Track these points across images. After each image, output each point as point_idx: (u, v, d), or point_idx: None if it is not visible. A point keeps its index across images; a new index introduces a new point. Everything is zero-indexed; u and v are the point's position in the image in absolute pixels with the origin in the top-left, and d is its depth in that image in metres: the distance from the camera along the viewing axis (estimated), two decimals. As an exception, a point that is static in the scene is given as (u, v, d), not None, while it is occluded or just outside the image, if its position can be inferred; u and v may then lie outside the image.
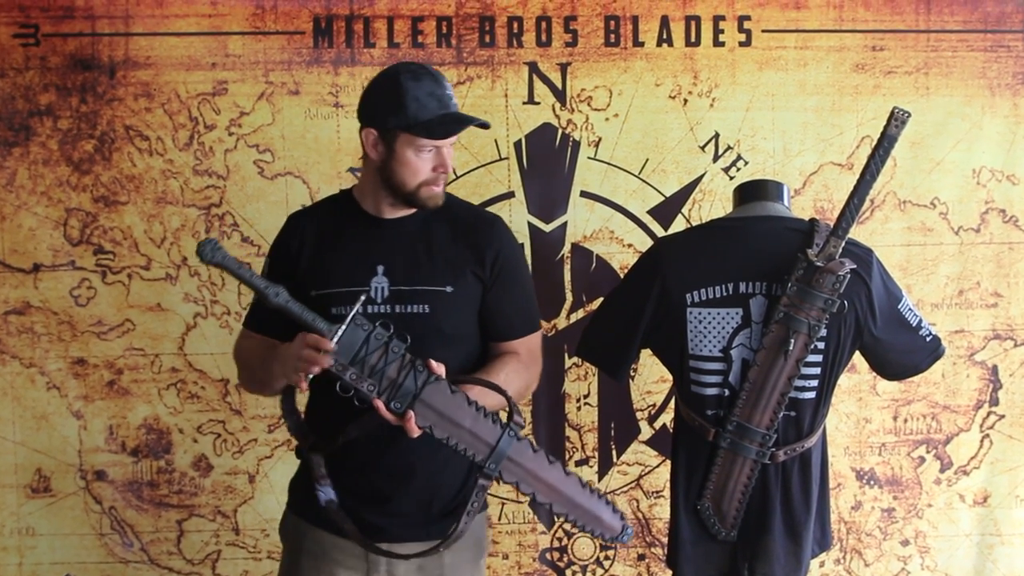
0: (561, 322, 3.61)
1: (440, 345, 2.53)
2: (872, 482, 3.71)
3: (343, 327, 2.36)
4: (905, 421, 3.70)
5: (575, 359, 3.59)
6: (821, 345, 2.71)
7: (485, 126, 2.57)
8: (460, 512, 2.53)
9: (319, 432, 2.60)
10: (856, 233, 2.83)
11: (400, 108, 2.47)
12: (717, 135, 3.57)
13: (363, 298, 2.44)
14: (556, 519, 3.67)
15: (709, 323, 2.74)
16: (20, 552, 3.61)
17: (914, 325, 2.82)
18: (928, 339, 2.84)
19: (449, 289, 2.57)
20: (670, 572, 2.98)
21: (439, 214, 2.62)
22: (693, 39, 3.55)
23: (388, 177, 2.54)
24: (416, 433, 2.37)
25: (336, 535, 2.59)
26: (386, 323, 2.40)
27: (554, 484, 2.45)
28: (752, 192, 2.92)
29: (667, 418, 3.63)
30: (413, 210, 2.60)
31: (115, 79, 3.47)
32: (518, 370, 2.65)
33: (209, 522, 3.62)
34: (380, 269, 2.56)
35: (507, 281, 2.66)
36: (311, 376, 2.35)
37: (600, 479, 3.67)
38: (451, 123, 2.50)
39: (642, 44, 3.54)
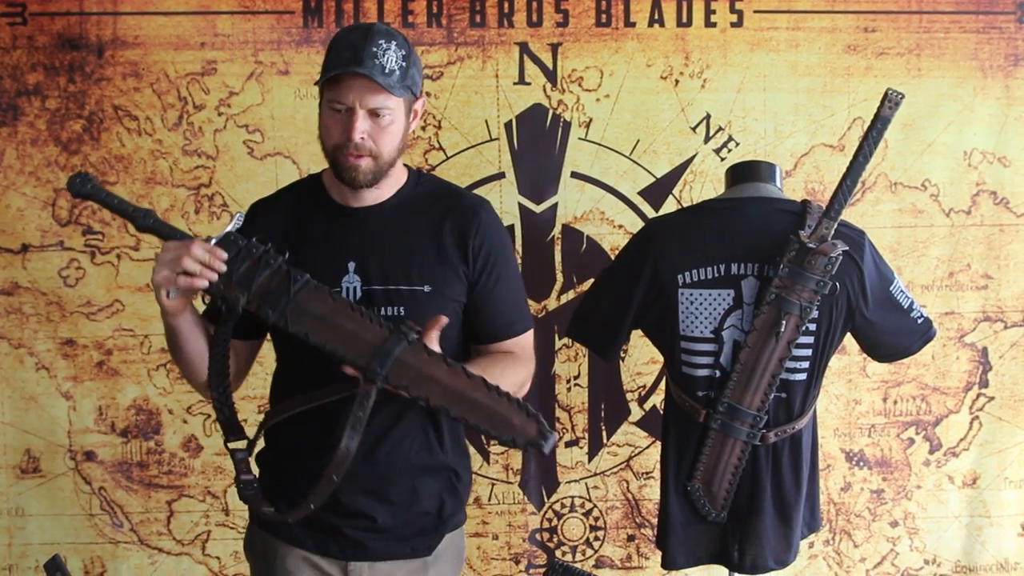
0: (551, 303, 3.60)
1: None
2: (861, 463, 3.71)
3: (215, 238, 2.18)
4: (895, 403, 3.70)
5: (565, 340, 3.58)
6: (812, 327, 2.71)
7: (365, 76, 2.21)
8: (442, 529, 2.45)
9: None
10: (847, 215, 2.84)
11: (325, 59, 2.30)
12: (708, 116, 3.56)
13: (236, 216, 2.25)
14: (545, 501, 3.68)
15: (700, 304, 2.74)
16: (10, 532, 3.60)
17: (906, 307, 2.82)
18: (919, 321, 2.84)
19: (427, 289, 2.33)
20: (660, 553, 2.98)
21: (419, 200, 2.41)
22: (685, 19, 3.54)
23: (320, 140, 2.34)
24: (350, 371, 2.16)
25: (312, 552, 2.42)
26: (264, 238, 2.21)
27: (451, 384, 2.14)
28: (744, 173, 2.92)
29: (657, 399, 3.63)
30: (381, 197, 2.37)
31: (103, 59, 3.45)
32: (515, 366, 2.41)
33: (199, 503, 3.62)
34: (351, 266, 2.33)
35: (496, 276, 2.41)
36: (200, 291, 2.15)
37: (590, 460, 3.67)
38: (342, 65, 2.23)
39: (633, 24, 3.53)
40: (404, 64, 2.27)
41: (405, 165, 2.45)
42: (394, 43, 2.26)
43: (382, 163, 2.30)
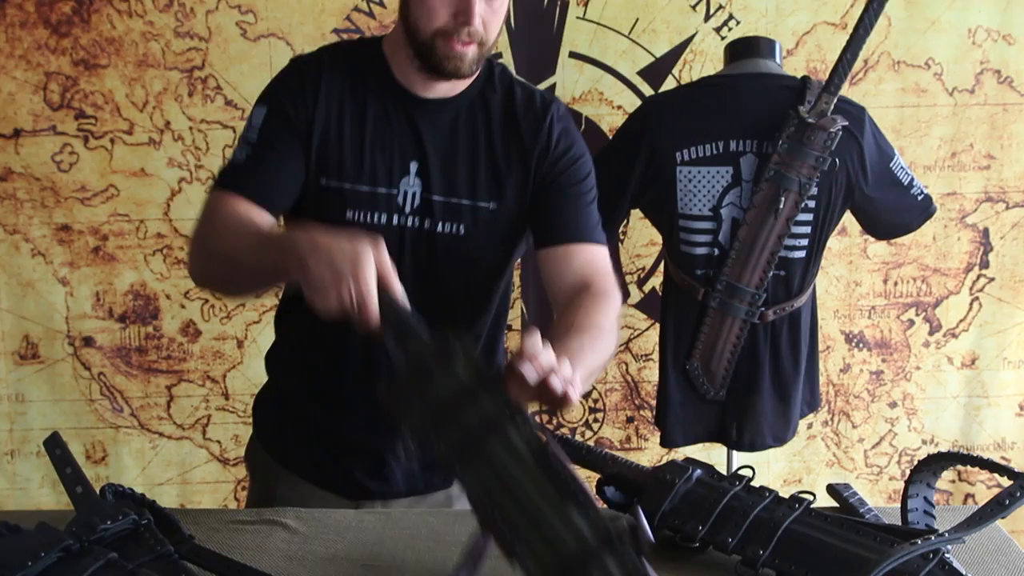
0: (550, 186, 3.57)
1: (474, 279, 2.06)
2: (861, 345, 3.72)
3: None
4: (895, 284, 3.69)
5: (564, 223, 3.56)
6: (811, 203, 2.69)
7: None
8: None
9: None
10: (849, 94, 2.80)
11: None
12: (709, -6, 3.50)
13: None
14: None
15: (699, 182, 2.72)
16: (11, 418, 3.62)
17: (906, 184, 2.80)
18: (920, 198, 2.82)
19: (492, 206, 1.99)
20: (659, 433, 3.00)
21: (494, 97, 2.03)
22: None
23: (405, 17, 1.90)
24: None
25: (317, 487, 2.14)
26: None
27: None
28: (743, 49, 2.88)
29: (656, 282, 3.62)
30: (455, 89, 1.99)
31: (91, -62, 3.38)
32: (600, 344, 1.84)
33: (199, 387, 3.63)
34: (413, 167, 1.98)
35: (563, 184, 2.03)
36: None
37: (589, 343, 3.67)
38: None
39: (633, -102, 3.46)
40: None
41: None
42: None
43: (485, 52, 1.93)
